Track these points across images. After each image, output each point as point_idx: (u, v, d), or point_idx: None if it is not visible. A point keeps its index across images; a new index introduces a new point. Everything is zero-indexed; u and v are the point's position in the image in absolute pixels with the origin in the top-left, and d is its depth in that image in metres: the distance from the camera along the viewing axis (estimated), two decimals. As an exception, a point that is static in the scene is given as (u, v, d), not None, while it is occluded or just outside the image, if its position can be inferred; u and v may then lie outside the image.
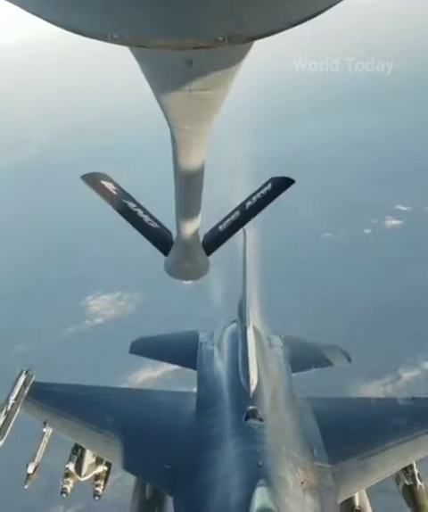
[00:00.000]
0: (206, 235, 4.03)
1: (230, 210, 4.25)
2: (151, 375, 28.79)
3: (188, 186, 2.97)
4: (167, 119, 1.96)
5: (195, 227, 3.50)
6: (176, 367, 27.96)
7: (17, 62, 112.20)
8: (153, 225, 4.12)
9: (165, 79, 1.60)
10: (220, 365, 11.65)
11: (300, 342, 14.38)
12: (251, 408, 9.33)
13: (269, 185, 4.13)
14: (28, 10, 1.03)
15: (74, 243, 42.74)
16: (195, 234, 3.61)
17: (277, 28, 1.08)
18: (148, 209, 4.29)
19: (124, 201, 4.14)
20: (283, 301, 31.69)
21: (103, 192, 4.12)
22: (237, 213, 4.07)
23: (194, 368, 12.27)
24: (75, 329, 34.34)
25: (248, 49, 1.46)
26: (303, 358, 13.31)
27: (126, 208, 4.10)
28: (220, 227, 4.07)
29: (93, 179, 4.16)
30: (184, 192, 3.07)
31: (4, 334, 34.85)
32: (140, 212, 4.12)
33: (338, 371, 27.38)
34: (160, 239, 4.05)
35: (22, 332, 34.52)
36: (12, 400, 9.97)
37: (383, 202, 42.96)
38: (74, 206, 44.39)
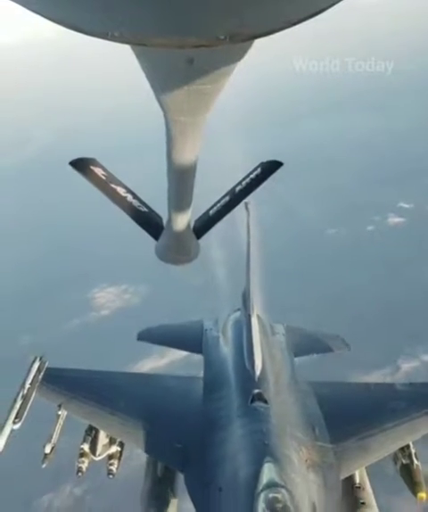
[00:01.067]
0: (196, 221, 4.12)
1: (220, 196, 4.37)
2: (157, 364, 29.45)
3: (182, 176, 3.01)
4: (163, 111, 1.99)
5: (187, 214, 3.57)
6: (181, 356, 28.74)
7: (19, 62, 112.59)
8: (143, 209, 4.20)
9: (165, 77, 1.62)
10: (225, 351, 12.16)
11: (302, 330, 14.93)
12: (256, 391, 9.81)
13: (258, 169, 4.20)
14: (29, 8, 1.04)
15: (78, 239, 43.36)
16: (186, 219, 3.67)
17: (278, 27, 1.09)
18: (142, 197, 4.38)
19: (113, 186, 4.18)
20: (285, 295, 32.43)
21: (93, 177, 4.15)
22: (227, 198, 4.15)
23: (200, 353, 12.83)
24: (81, 321, 35.01)
25: (248, 47, 1.47)
26: (304, 344, 13.90)
27: (115, 193, 4.15)
28: (210, 212, 4.15)
29: (82, 165, 4.17)
30: (177, 181, 3.10)
31: (12, 325, 35.54)
32: (130, 197, 4.19)
33: (339, 362, 28.29)
34: (151, 224, 4.14)
35: (29, 324, 35.21)
36: (27, 385, 10.33)
37: (386, 200, 43.75)
38: (78, 203, 44.98)
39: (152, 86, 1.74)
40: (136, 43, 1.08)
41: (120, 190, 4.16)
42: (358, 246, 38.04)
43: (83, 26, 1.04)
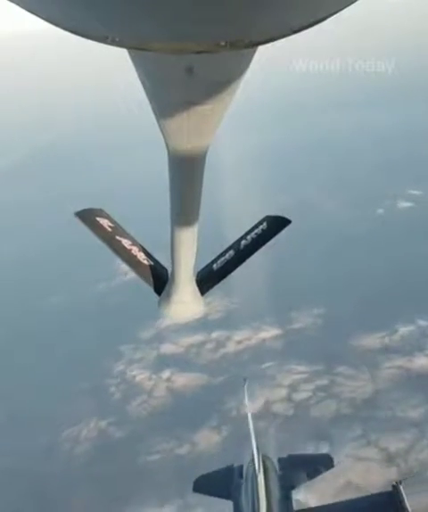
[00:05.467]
0: (200, 273, 3.90)
1: (226, 245, 4.17)
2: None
3: (184, 217, 2.78)
4: (164, 137, 1.88)
5: (190, 265, 3.41)
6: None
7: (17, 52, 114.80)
8: (148, 262, 4.01)
9: (164, 88, 1.53)
10: (244, 501, 14.05)
11: (293, 459, 16.13)
12: None
13: (264, 223, 4.00)
14: (25, 8, 1.03)
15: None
16: (190, 273, 3.53)
17: (280, 35, 1.07)
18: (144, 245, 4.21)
19: (118, 238, 4.02)
20: (299, 274, 35.29)
21: (97, 229, 3.99)
22: (231, 252, 3.95)
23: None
24: (106, 284, 38.16)
25: (250, 59, 1.44)
26: (299, 475, 15.16)
27: (120, 246, 3.99)
28: (214, 266, 3.96)
29: (87, 216, 4.04)
30: (179, 225, 2.85)
31: (38, 287, 38.86)
32: (135, 250, 4.01)
33: (341, 325, 30.99)
34: (155, 277, 3.94)
35: (55, 286, 38.47)
36: None
37: (396, 187, 46.17)
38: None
39: (150, 101, 1.68)
40: (135, 47, 1.06)
41: (126, 242, 4.01)
42: (369, 227, 40.57)
43: (81, 29, 1.04)
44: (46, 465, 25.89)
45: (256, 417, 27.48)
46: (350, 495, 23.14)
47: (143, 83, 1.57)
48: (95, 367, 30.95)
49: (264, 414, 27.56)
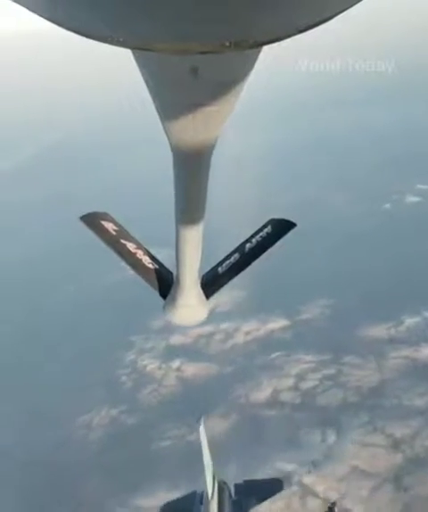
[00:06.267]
0: (205, 276, 3.87)
1: (230, 250, 4.14)
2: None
3: (190, 220, 2.77)
4: (168, 138, 1.86)
5: (196, 268, 3.38)
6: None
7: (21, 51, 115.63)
8: (153, 266, 3.98)
9: (168, 89, 1.51)
10: None
11: (247, 484, 18.07)
12: None
13: (269, 226, 3.98)
14: (27, 8, 1.03)
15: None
16: (195, 276, 3.51)
17: (285, 34, 1.05)
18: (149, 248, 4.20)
19: (123, 241, 4.02)
20: (308, 261, 35.87)
21: (102, 233, 3.99)
22: (237, 255, 3.94)
23: None
24: (116, 277, 38.70)
25: (255, 59, 1.42)
26: (250, 500, 17.06)
27: (125, 249, 3.98)
28: (219, 269, 3.94)
29: (92, 220, 4.05)
30: (184, 228, 2.83)
31: (48, 282, 39.54)
32: (140, 253, 4.00)
33: (348, 317, 31.54)
34: (160, 281, 3.92)
35: (65, 281, 39.22)
36: None
37: (404, 182, 46.75)
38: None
39: (155, 102, 1.65)
40: (140, 48, 1.05)
41: (130, 246, 4.00)
42: (376, 222, 41.14)
43: (85, 29, 1.03)
44: (60, 453, 26.47)
45: (264, 405, 28.21)
46: (356, 479, 23.81)
47: (146, 82, 1.55)
48: (107, 357, 31.58)
49: (272, 403, 28.14)
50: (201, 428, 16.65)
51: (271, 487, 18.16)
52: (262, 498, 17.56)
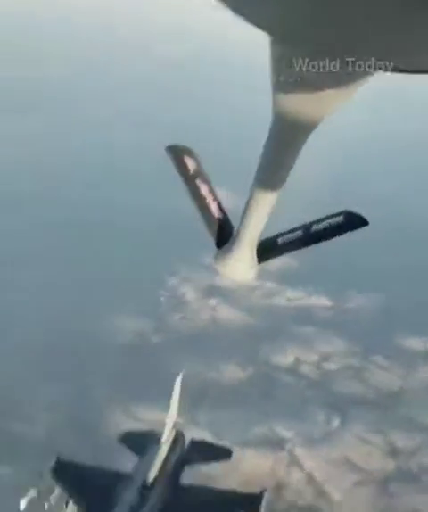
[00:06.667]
0: (263, 242, 3.83)
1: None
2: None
3: (269, 185, 2.87)
4: (273, 103, 1.88)
5: (258, 230, 3.45)
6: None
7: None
8: (219, 215, 3.98)
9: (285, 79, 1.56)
10: (146, 459, 17.44)
11: (201, 443, 19.98)
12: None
13: (341, 217, 3.88)
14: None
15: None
16: (255, 237, 3.56)
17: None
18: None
19: (198, 182, 3.98)
20: (374, 254, 35.31)
21: (182, 168, 3.95)
22: (300, 233, 3.88)
23: None
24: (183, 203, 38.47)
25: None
26: (196, 457, 19.26)
27: (198, 190, 3.94)
28: (279, 240, 3.89)
29: (177, 152, 4.00)
30: (261, 190, 2.92)
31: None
32: (210, 199, 3.98)
33: (393, 319, 31.28)
34: (220, 231, 3.92)
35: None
36: None
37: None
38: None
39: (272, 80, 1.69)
40: None
41: (204, 188, 3.97)
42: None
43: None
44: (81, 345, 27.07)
45: (282, 370, 28.47)
46: (344, 468, 24.27)
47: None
48: (154, 276, 31.87)
49: (290, 371, 28.39)
50: (178, 381, 18.10)
51: (221, 453, 19.81)
52: (209, 459, 19.59)
